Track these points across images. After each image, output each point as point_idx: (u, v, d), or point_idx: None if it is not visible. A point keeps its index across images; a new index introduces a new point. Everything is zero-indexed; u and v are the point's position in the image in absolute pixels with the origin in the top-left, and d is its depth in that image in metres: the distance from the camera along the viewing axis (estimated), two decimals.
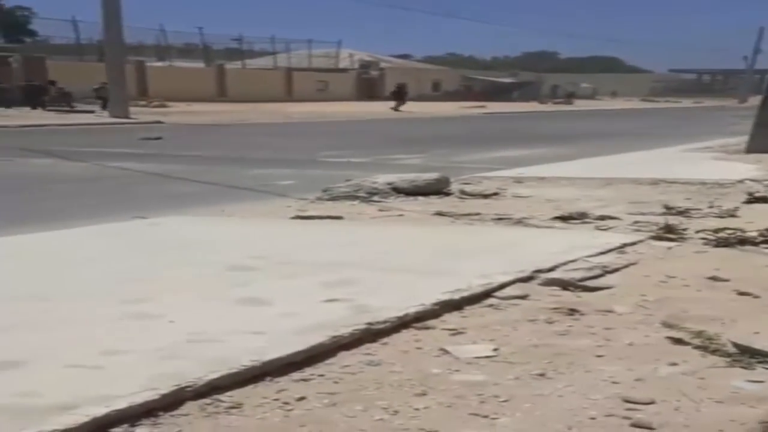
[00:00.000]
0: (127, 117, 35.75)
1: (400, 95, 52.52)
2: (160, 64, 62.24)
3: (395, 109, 49.83)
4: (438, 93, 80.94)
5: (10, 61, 47.05)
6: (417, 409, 3.13)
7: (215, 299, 4.63)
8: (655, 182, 10.63)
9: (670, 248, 6.26)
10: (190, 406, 3.12)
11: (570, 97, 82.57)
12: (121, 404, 3.01)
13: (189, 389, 3.21)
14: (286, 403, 3.19)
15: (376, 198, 9.09)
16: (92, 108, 41.03)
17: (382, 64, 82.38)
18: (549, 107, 66.97)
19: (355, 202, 8.87)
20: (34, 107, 41.07)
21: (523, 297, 4.77)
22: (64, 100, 42.67)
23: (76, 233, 7.01)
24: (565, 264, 5.47)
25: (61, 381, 3.26)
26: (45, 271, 5.43)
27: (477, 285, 4.88)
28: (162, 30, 64.81)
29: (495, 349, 3.83)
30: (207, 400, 3.18)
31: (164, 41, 65.55)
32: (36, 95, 42.81)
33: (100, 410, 2.95)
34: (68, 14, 59.42)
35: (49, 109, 40.40)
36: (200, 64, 66.63)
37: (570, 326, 4.23)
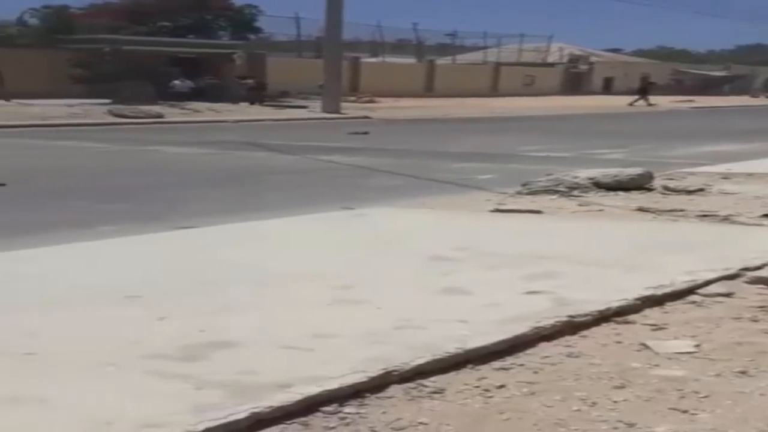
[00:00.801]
0: (338, 112, 36.68)
1: (645, 89, 49.99)
2: (373, 60, 63.31)
3: (634, 104, 47.38)
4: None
5: (234, 58, 49.10)
6: (615, 402, 3.12)
7: (420, 288, 4.75)
8: None
9: None
10: (395, 389, 3.23)
11: None
12: (332, 385, 3.15)
13: (395, 373, 3.33)
14: (487, 390, 3.25)
15: (576, 192, 8.99)
16: (306, 104, 42.30)
17: (592, 58, 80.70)
18: (761, 101, 63.80)
19: (555, 197, 8.81)
20: (252, 103, 42.73)
21: (728, 294, 4.64)
22: (257, 93, 43.83)
23: (288, 222, 7.32)
24: None
25: (276, 361, 3.45)
26: (261, 256, 5.71)
27: (681, 281, 4.78)
28: (378, 26, 65.86)
29: (696, 346, 3.76)
30: (411, 384, 3.28)
31: (379, 37, 66.64)
32: (254, 91, 44.48)
33: (312, 389, 3.10)
34: (293, 11, 61.22)
35: (266, 105, 41.95)
36: (412, 60, 67.33)
37: None
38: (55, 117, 28.36)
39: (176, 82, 42.53)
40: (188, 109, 34.70)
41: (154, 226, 7.38)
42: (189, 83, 43.01)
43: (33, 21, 47.66)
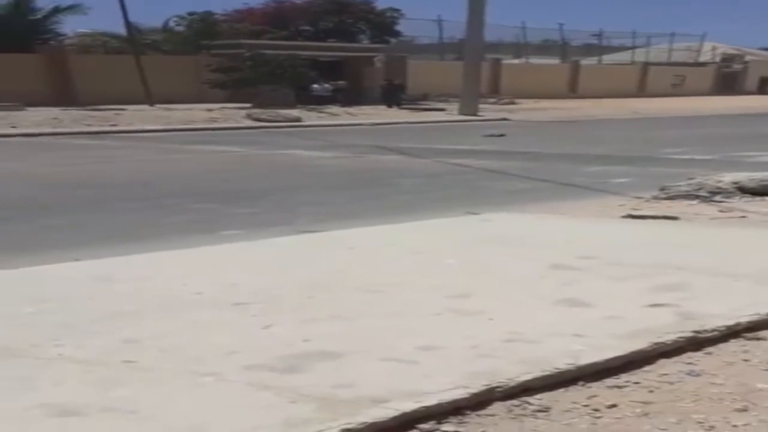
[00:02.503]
0: (475, 114, 36.51)
1: None
2: (516, 61, 62.81)
3: None
4: None
5: (375, 61, 49.53)
6: (735, 426, 2.92)
7: (537, 298, 4.59)
8: None
9: None
10: (497, 407, 3.11)
11: None
12: (431, 401, 3.05)
13: (499, 390, 3.20)
14: (596, 410, 3.09)
15: (718, 198, 8.60)
16: (444, 106, 42.29)
17: (747, 57, 77.89)
18: None
19: (695, 202, 8.45)
20: (390, 105, 43.00)
21: None
22: (396, 96, 43.96)
23: (410, 227, 7.26)
24: None
25: (376, 373, 3.37)
26: (379, 263, 5.66)
27: None
28: (522, 27, 65.34)
29: None
30: (515, 402, 3.15)
31: (523, 38, 66.10)
32: (393, 94, 44.75)
33: (409, 405, 3.01)
34: (435, 14, 61.04)
35: (403, 108, 42.15)
36: (556, 61, 66.53)
37: None
38: (195, 121, 29.24)
39: (315, 85, 43.16)
40: (325, 113, 35.19)
41: (277, 230, 7.44)
42: (327, 86, 43.59)
43: (179, 27, 49.33)
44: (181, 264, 5.73)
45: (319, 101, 39.97)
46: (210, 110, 32.66)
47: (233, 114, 32.28)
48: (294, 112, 32.80)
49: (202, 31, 46.69)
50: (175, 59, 43.13)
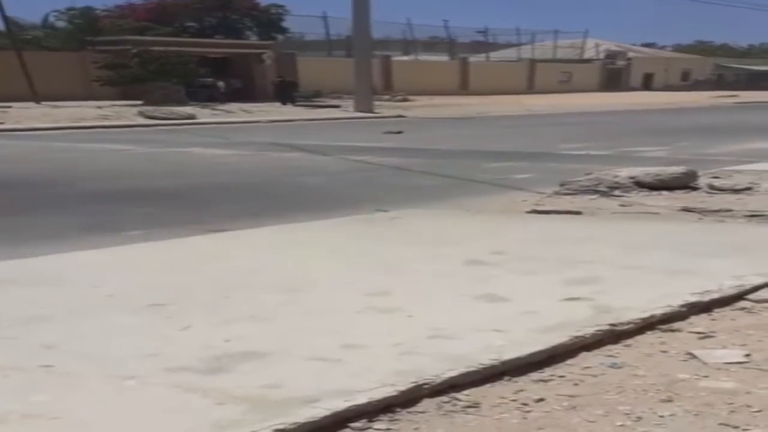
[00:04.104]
0: (371, 112, 36.63)
1: None
2: (405, 58, 63.27)
3: None
4: (687, 83, 77.85)
5: (264, 58, 49.23)
6: (662, 416, 2.99)
7: (454, 295, 4.62)
8: None
9: None
10: (427, 404, 3.11)
11: None
12: (361, 399, 3.04)
13: (426, 386, 3.21)
14: (525, 404, 3.12)
15: (617, 192, 8.81)
16: (339, 103, 42.32)
17: (630, 54, 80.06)
18: None
19: (595, 197, 8.64)
20: (284, 103, 42.82)
21: None
22: (289, 94, 43.80)
23: (320, 225, 7.23)
24: None
25: (303, 373, 3.34)
26: (293, 262, 5.62)
27: (728, 286, 4.62)
28: (408, 24, 65.79)
29: (747, 355, 3.61)
30: (444, 398, 3.17)
31: (410, 35, 66.56)
32: (286, 91, 44.59)
33: (340, 404, 2.99)
34: (320, 11, 60.99)
35: (298, 105, 42.02)
36: (444, 58, 67.20)
37: None
38: (86, 119, 28.61)
39: (208, 80, 42.73)
40: (220, 110, 34.83)
41: (182, 230, 7.31)
42: (217, 83, 43.18)
43: (59, 23, 48.20)
44: (87, 266, 5.59)
45: (209, 98, 39.61)
46: (100, 108, 32.02)
47: (125, 111, 31.68)
48: (187, 110, 32.35)
49: (84, 27, 45.70)
50: (59, 56, 42.11)
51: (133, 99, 35.86)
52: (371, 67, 39.88)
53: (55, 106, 32.00)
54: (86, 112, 30.67)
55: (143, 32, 44.75)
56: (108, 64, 38.95)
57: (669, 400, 3.13)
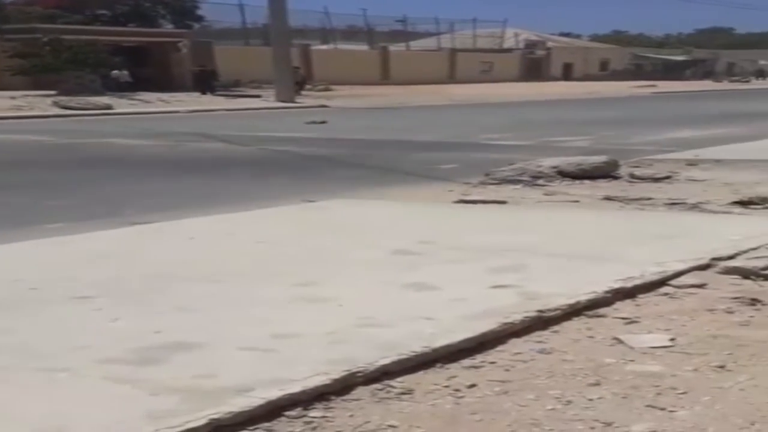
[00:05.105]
0: (293, 101, 36.55)
1: None
2: (324, 47, 63.13)
3: None
4: (606, 72, 79.22)
5: (179, 47, 48.69)
6: (591, 400, 3.09)
7: (383, 283, 4.68)
8: None
9: None
10: (361, 391, 3.17)
11: (761, 74, 79.10)
12: (295, 388, 3.08)
13: (359, 374, 3.26)
14: (457, 390, 3.20)
15: (540, 182, 8.98)
16: (259, 93, 42.09)
17: (549, 44, 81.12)
18: (724, 86, 64.59)
19: (519, 186, 8.79)
20: (203, 92, 42.45)
21: (701, 286, 4.62)
22: (208, 83, 43.44)
23: (246, 216, 7.23)
24: (746, 252, 5.26)
25: (235, 363, 3.37)
26: (221, 253, 5.62)
27: (651, 273, 4.76)
28: (326, 13, 65.66)
29: (671, 339, 3.74)
30: (378, 386, 3.22)
31: (328, 24, 66.45)
32: (205, 80, 44.19)
33: (274, 393, 3.03)
34: None
35: (217, 94, 41.70)
36: (364, 47, 67.23)
37: (751, 317, 4.09)
38: None
39: (115, 72, 42.08)
40: (137, 100, 34.44)
41: (104, 222, 7.24)
42: (126, 73, 42.50)
43: None
44: (6, 259, 5.51)
45: (123, 88, 39.09)
46: (13, 98, 31.34)
47: (38, 102, 31.14)
48: (104, 100, 31.93)
49: None
50: None
51: (46, 89, 35.18)
52: (290, 56, 39.74)
53: None
54: None
55: (53, 20, 43.85)
56: (18, 53, 38.13)
57: (597, 384, 3.24)
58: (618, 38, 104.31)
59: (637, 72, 78.58)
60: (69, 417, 2.84)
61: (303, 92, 42.64)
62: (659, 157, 11.41)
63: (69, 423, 2.79)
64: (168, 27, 53.67)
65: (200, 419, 2.81)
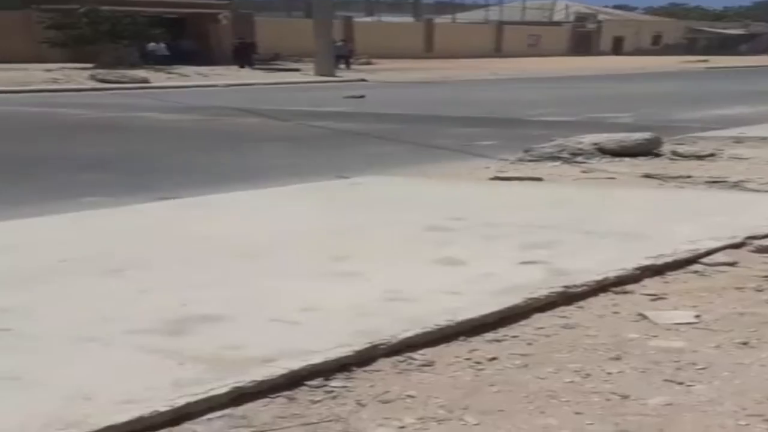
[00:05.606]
0: (332, 75, 36.67)
1: None
2: (368, 19, 63.10)
3: None
4: (658, 47, 78.44)
5: (220, 18, 48.92)
6: (609, 373, 3.19)
7: (413, 259, 4.80)
8: None
9: None
10: (382, 363, 3.30)
11: None
12: (317, 359, 3.22)
13: (382, 346, 3.39)
14: (478, 363, 3.31)
15: (579, 159, 9.02)
16: (299, 66, 42.23)
17: (600, 16, 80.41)
18: None
19: (558, 163, 8.85)
20: (242, 66, 42.67)
21: (732, 264, 4.69)
22: (248, 56, 43.56)
23: (280, 191, 7.38)
24: None
25: (260, 335, 3.51)
26: (252, 228, 5.78)
27: (683, 250, 4.84)
28: None
29: (697, 316, 3.82)
30: (400, 357, 3.35)
31: None
32: (245, 54, 44.37)
33: (296, 364, 3.17)
34: None
35: (256, 68, 41.90)
36: (409, 19, 67.06)
37: None
38: (33, 82, 28.42)
39: (152, 44, 42.33)
40: (175, 73, 34.75)
41: (139, 197, 7.43)
42: (163, 46, 42.68)
43: None
44: (42, 231, 5.71)
45: (160, 61, 39.31)
46: (49, 71, 31.76)
47: (75, 75, 31.53)
48: (141, 73, 32.29)
49: None
50: (2, 16, 41.37)
51: (84, 62, 35.56)
52: (332, 29, 39.83)
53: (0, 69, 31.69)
54: (33, 75, 30.48)
55: None
56: (55, 24, 38.50)
57: (618, 359, 3.34)
58: (674, 11, 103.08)
59: (690, 46, 77.73)
60: (97, 385, 2.99)
61: (351, 66, 42.65)
62: (704, 134, 11.39)
63: (97, 390, 2.93)
64: None
65: (223, 387, 2.96)
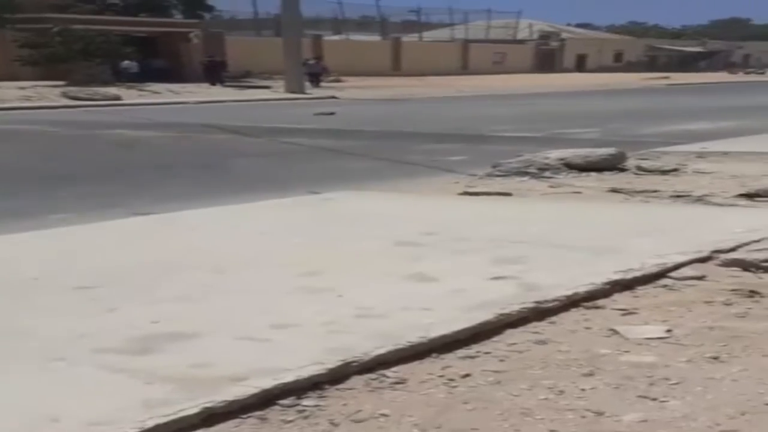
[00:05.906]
0: (302, 92, 36.58)
1: None
2: (336, 37, 63.18)
3: None
4: (620, 64, 79.02)
5: (191, 37, 48.81)
6: (583, 390, 3.12)
7: (384, 274, 4.72)
8: None
9: None
10: (355, 380, 3.21)
11: None
12: (289, 377, 3.12)
13: (355, 364, 3.30)
14: (451, 380, 3.23)
15: (547, 174, 8.99)
16: (269, 84, 42.14)
17: (563, 35, 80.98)
18: (739, 78, 64.31)
19: (525, 178, 8.81)
20: (212, 83, 42.52)
21: (700, 278, 4.65)
22: (218, 74, 43.52)
23: (251, 207, 7.28)
24: (748, 244, 5.28)
25: (231, 353, 3.41)
26: (222, 244, 5.67)
27: (651, 264, 4.78)
28: (339, 2, 65.70)
29: (668, 331, 3.77)
30: (372, 375, 3.26)
31: (341, 14, 66.47)
32: (215, 71, 44.27)
33: (268, 382, 3.07)
34: None
35: (226, 86, 41.77)
36: (376, 38, 67.21)
37: (749, 308, 4.11)
38: (6, 100, 28.14)
39: (125, 62, 42.20)
40: (147, 91, 34.53)
41: (109, 213, 7.32)
42: (135, 64, 42.57)
43: None
44: (9, 249, 5.58)
45: (132, 79, 39.18)
46: (22, 89, 31.47)
47: (47, 92, 31.27)
48: (112, 90, 32.06)
49: (2, 3, 44.55)
50: None
51: (56, 79, 35.30)
52: (301, 47, 39.78)
53: None
54: (6, 93, 30.14)
55: (64, 10, 43.94)
56: (28, 43, 38.25)
57: (591, 374, 3.27)
58: (634, 29, 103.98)
59: (651, 63, 78.41)
60: (64, 406, 2.89)
61: (321, 84, 42.64)
62: (668, 149, 11.39)
63: (63, 411, 2.83)
64: (179, 17, 53.74)
65: (193, 408, 2.86)
